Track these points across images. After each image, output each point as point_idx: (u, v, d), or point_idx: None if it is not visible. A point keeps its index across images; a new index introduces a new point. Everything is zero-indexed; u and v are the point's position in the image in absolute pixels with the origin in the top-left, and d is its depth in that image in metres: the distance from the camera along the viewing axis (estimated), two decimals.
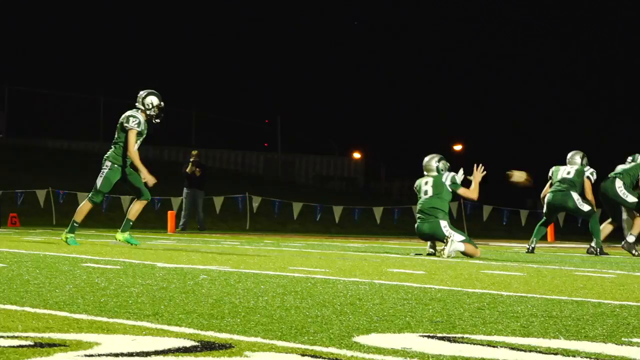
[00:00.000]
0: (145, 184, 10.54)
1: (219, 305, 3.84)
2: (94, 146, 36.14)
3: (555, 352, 2.57)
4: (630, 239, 12.50)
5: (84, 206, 10.70)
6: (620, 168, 12.91)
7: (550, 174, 13.05)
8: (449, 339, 2.80)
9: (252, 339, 2.67)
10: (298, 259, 9.31)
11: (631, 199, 12.42)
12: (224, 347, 2.50)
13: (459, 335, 2.93)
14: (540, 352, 2.56)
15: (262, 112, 68.48)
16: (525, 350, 2.58)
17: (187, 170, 20.65)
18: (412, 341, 2.70)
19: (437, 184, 10.43)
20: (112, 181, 10.46)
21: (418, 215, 10.68)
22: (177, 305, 3.82)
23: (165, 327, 2.96)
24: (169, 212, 21.13)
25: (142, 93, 10.76)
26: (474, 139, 52.05)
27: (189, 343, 2.55)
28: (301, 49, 75.59)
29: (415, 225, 10.71)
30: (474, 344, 2.70)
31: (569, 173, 12.69)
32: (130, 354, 2.29)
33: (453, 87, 69.04)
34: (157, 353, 2.34)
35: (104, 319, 3.16)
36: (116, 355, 2.28)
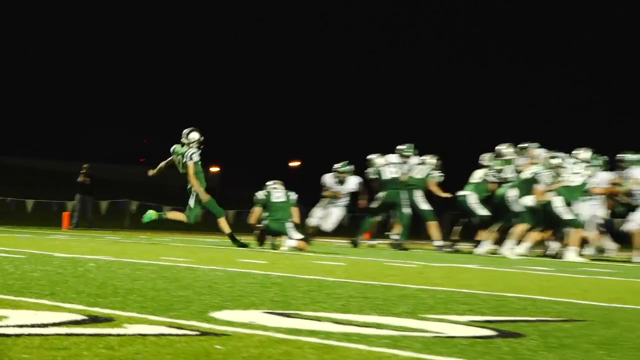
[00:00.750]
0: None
1: (104, 287, 3.75)
2: None
3: (369, 325, 2.55)
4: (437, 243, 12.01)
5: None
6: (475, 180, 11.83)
7: (376, 174, 12.29)
8: (285, 315, 2.79)
9: (130, 314, 2.65)
10: (167, 250, 9.10)
11: (480, 212, 11.50)
12: (107, 320, 2.47)
13: (293, 311, 2.91)
14: (357, 325, 2.54)
15: (141, 132, 65.78)
16: (345, 324, 2.57)
17: (79, 179, 20.11)
18: (257, 316, 2.67)
19: (286, 195, 10.58)
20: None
21: (269, 215, 10.44)
22: (70, 287, 3.70)
23: (60, 304, 2.88)
24: (64, 212, 20.42)
25: (186, 130, 10.42)
26: (310, 156, 51.56)
27: (79, 317, 2.51)
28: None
29: (265, 223, 10.48)
30: (305, 318, 2.69)
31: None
32: (33, 325, 2.23)
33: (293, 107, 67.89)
34: (54, 325, 2.29)
35: (11, 297, 3.04)
36: (21, 326, 2.21)
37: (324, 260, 8.06)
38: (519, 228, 10.61)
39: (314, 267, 6.83)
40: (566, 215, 10.32)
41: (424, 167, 12.60)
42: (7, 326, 2.19)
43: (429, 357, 1.91)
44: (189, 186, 10.51)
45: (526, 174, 10.93)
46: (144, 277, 4.52)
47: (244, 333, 2.22)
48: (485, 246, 11.53)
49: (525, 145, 12.02)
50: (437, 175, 12.76)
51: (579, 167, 10.81)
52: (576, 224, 10.39)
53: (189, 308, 2.93)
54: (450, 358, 1.91)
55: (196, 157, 10.43)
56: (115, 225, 22.60)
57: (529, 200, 10.60)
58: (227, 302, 3.22)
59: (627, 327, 2.95)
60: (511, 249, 10.64)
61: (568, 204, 10.32)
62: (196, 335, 2.17)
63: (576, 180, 10.56)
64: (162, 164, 10.97)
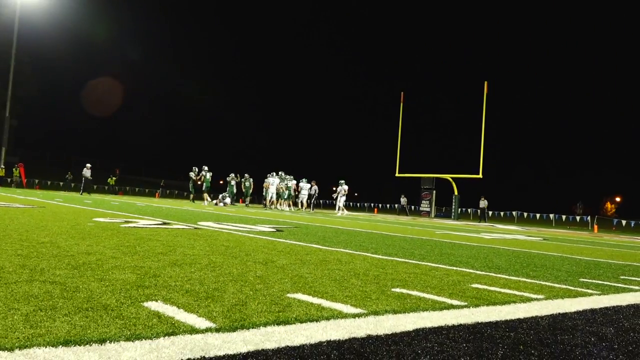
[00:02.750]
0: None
1: (169, 214, 9.19)
2: None
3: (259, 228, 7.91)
4: None
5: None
6: None
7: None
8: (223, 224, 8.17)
9: (173, 221, 8.07)
10: None
11: None
12: (168, 223, 7.91)
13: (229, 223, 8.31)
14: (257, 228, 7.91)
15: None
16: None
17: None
18: (211, 224, 8.03)
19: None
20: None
21: None
22: (157, 213, 9.17)
23: (150, 217, 8.34)
24: None
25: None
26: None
27: (160, 221, 7.94)
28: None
29: None
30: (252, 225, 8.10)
31: None
32: (145, 225, 7.66)
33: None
34: (152, 224, 7.72)
35: (136, 215, 8.54)
36: (142, 224, 7.65)
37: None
38: None
39: None
40: None
41: None
42: (137, 224, 7.65)
43: (264, 237, 7.14)
44: None
45: None
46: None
47: (212, 229, 7.57)
48: None
49: None
50: None
51: None
52: None
53: (192, 220, 8.33)
54: (261, 236, 7.11)
55: None
56: None
57: None
58: (201, 220, 8.62)
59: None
60: None
61: None
62: (193, 229, 7.54)
63: None
64: None
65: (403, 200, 39.21)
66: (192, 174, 26.71)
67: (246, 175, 28.67)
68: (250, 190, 28.63)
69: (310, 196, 27.32)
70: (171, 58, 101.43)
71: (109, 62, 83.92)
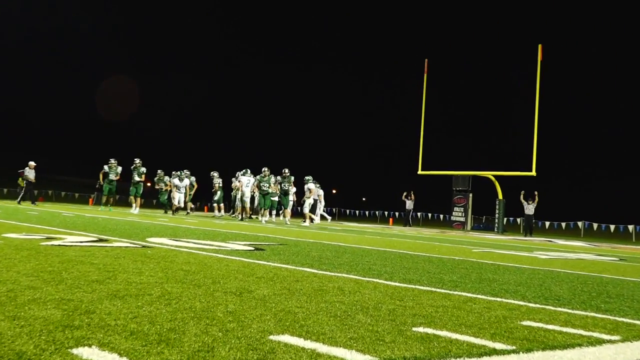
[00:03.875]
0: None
1: (105, 227, 9.26)
2: None
3: (205, 244, 8.06)
4: None
5: None
6: None
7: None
8: (176, 240, 8.25)
9: (113, 237, 8.12)
10: None
11: None
12: (105, 240, 7.95)
13: (181, 238, 8.41)
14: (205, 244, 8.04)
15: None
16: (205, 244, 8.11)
17: None
18: (165, 240, 8.11)
19: None
20: None
21: None
22: (90, 226, 9.25)
23: (86, 232, 8.38)
24: None
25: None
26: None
27: (94, 238, 7.98)
28: None
29: None
30: (188, 242, 8.20)
31: None
32: (74, 241, 7.68)
33: None
34: (83, 241, 7.74)
35: (66, 230, 8.58)
36: (71, 241, 7.67)
37: None
38: None
39: None
40: None
41: None
42: (64, 241, 7.66)
43: (224, 257, 7.15)
44: None
45: None
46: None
47: (160, 247, 7.59)
48: None
49: None
50: None
51: None
52: None
53: (139, 235, 8.38)
54: (233, 257, 7.12)
55: None
56: None
57: None
58: (153, 235, 8.69)
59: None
60: None
61: None
62: (141, 247, 7.55)
63: None
64: None
65: (409, 203, 37.19)
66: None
67: (186, 171, 28.80)
68: (193, 191, 29.00)
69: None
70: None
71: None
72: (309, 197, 25.38)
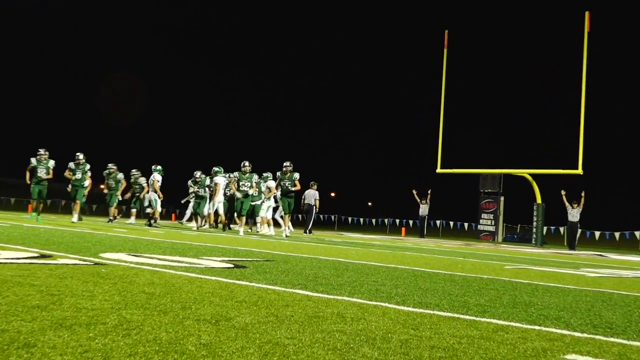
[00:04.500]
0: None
1: (49, 241, 9.27)
2: None
3: (173, 261, 8.08)
4: None
5: None
6: None
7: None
8: (137, 256, 8.27)
9: (60, 253, 8.16)
10: None
11: None
12: (49, 256, 7.95)
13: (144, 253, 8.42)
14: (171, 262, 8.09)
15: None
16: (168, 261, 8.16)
17: None
18: (123, 256, 8.10)
19: None
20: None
21: None
22: (32, 239, 9.26)
23: (25, 247, 8.39)
24: None
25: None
26: None
27: (36, 254, 8.00)
28: None
29: None
30: (148, 258, 8.21)
31: None
32: (11, 258, 7.69)
33: None
34: (22, 257, 7.75)
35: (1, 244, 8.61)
36: (5, 258, 7.68)
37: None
38: None
39: None
40: None
41: None
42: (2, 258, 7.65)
43: (198, 276, 7.15)
44: None
45: None
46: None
47: (116, 264, 7.59)
48: None
49: None
50: None
51: None
52: None
53: (90, 250, 8.39)
54: (208, 276, 7.13)
55: None
56: None
57: None
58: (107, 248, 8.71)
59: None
60: None
61: None
62: (93, 265, 7.55)
63: None
64: None
65: (423, 208, 36.57)
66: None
67: (110, 166, 28.05)
68: (118, 193, 27.94)
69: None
70: None
71: None
72: (269, 198, 25.27)
